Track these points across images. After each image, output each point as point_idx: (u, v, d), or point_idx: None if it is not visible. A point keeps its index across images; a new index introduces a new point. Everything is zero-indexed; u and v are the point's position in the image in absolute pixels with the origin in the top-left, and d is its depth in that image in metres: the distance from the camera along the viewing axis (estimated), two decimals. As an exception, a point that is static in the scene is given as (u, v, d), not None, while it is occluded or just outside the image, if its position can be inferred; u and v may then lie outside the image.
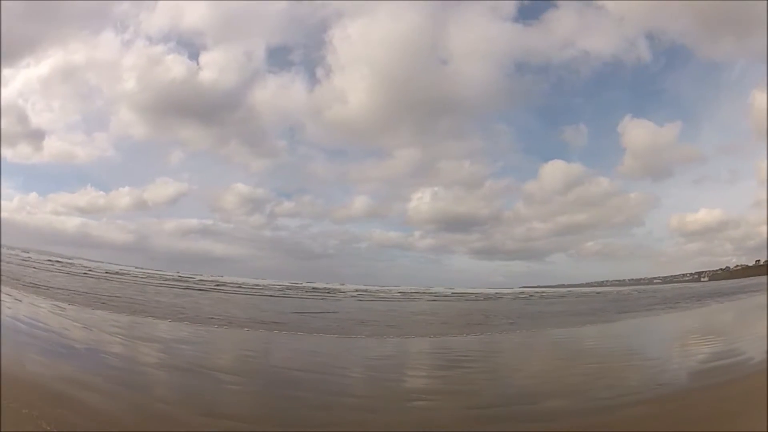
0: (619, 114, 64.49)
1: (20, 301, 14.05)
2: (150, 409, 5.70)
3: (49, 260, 45.40)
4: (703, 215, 54.11)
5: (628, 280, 76.06)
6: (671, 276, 76.05)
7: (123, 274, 40.33)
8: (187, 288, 31.42)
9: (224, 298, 26.77)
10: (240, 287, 37.58)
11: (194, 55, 69.39)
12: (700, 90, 59.40)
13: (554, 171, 57.55)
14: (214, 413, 5.66)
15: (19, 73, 65.12)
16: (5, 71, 68.25)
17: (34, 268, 31.91)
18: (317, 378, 7.96)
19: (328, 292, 39.43)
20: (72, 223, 65.35)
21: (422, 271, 69.72)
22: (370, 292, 43.39)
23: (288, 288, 41.86)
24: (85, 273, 34.27)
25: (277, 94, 63.56)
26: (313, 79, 64.89)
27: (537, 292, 54.84)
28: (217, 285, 37.54)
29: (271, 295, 31.98)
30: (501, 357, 11.92)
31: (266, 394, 7.03)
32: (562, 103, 64.40)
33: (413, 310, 25.80)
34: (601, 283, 75.83)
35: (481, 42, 59.21)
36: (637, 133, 54.16)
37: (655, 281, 76.71)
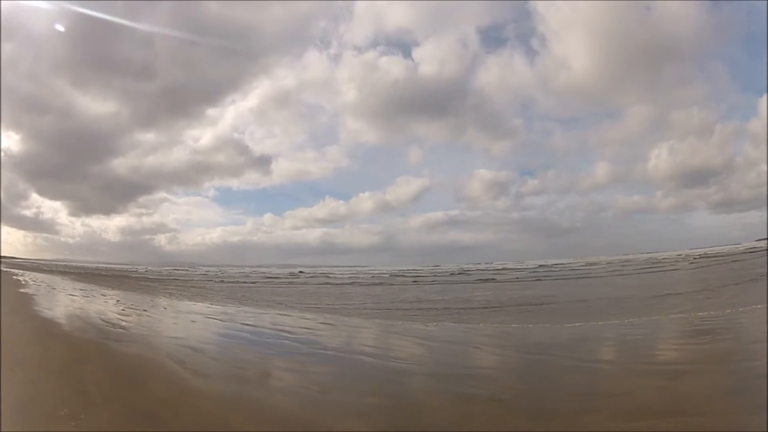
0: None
1: (333, 324, 11.26)
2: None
3: (292, 272, 48.53)
4: None
5: None
6: None
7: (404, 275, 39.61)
8: (484, 280, 31.29)
9: (550, 285, 24.95)
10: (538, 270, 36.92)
11: (407, 53, 76.74)
12: None
13: (772, 103, 46.74)
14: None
15: (226, 110, 75.01)
16: (210, 111, 78.82)
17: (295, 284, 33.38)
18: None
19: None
20: (313, 234, 75.71)
21: (666, 234, 68.89)
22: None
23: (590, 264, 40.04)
24: (379, 281, 32.96)
25: (501, 74, 65.61)
26: (530, 52, 67.65)
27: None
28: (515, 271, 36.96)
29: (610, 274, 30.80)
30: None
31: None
32: (758, 29, 58.37)
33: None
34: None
35: (674, -24, 48.43)
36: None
37: None
